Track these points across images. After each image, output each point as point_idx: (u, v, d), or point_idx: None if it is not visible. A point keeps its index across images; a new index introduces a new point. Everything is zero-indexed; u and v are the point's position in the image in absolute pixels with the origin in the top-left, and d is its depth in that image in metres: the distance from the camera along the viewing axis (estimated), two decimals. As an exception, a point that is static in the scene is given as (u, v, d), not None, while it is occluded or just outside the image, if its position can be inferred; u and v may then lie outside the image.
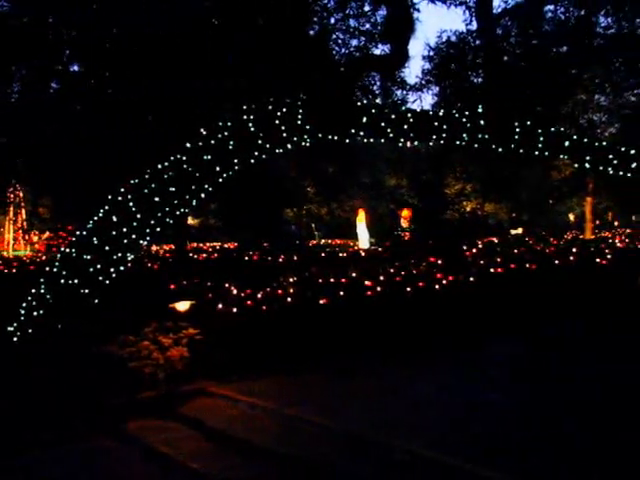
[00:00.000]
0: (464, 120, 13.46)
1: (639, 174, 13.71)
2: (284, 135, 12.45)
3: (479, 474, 5.22)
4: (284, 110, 12.46)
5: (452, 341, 10.43)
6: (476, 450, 5.74)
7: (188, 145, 11.11)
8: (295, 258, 17.65)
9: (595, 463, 5.34)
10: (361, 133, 13.01)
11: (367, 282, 11.19)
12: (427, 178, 27.44)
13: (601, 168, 13.83)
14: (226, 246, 26.31)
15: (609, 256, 14.17)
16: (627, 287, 12.24)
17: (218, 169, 11.52)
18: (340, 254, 20.12)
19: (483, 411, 6.97)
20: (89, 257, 9.50)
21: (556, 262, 13.64)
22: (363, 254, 19.92)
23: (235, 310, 10.20)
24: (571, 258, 13.95)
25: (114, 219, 9.80)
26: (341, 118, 13.00)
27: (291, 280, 11.88)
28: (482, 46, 24.13)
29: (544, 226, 35.24)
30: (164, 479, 6.11)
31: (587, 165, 13.77)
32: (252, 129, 11.99)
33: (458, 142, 13.61)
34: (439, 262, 13.25)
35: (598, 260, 13.98)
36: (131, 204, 9.96)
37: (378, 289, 11.04)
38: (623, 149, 13.79)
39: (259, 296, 10.75)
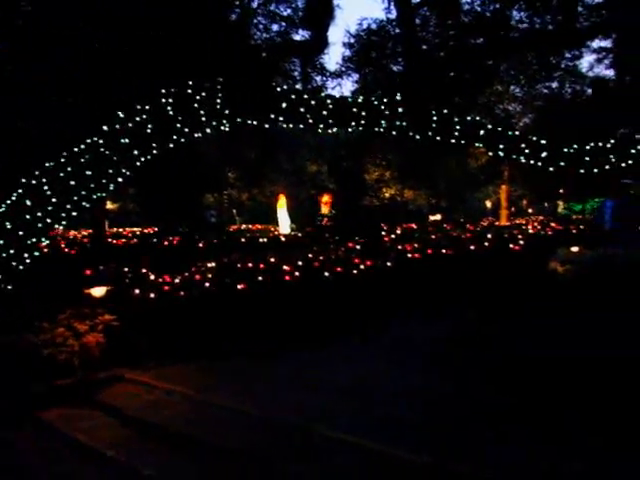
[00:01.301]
0: (383, 107, 13.63)
1: (549, 163, 14.16)
2: (203, 119, 12.37)
3: (393, 455, 5.33)
4: (203, 94, 12.37)
5: (370, 325, 10.58)
6: (391, 432, 5.85)
7: (105, 128, 10.92)
8: (215, 243, 17.57)
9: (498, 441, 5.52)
10: (280, 118, 13.02)
11: (285, 267, 11.25)
12: (347, 164, 27.62)
13: (514, 157, 14.22)
14: (146, 231, 25.94)
15: (521, 242, 14.57)
16: (539, 271, 12.60)
17: (136, 153, 11.37)
18: (260, 239, 20.10)
19: (398, 394, 7.08)
20: (1, 242, 9.26)
21: (471, 247, 13.96)
22: (283, 239, 19.96)
23: (152, 296, 10.11)
24: (486, 244, 14.29)
25: (28, 203, 9.57)
26: (260, 103, 12.99)
27: (210, 265, 11.84)
28: (401, 35, 24.38)
29: (462, 212, 35.96)
30: (80, 468, 6.04)
31: (501, 154, 14.15)
32: (170, 113, 11.87)
33: (377, 129, 13.78)
34: (357, 247, 13.41)
35: (511, 246, 14.36)
36: (46, 188, 9.74)
37: (296, 274, 11.11)
38: (535, 139, 14.21)
39: (177, 281, 10.68)
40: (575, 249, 12.28)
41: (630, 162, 14.40)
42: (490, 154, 16.66)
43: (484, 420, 5.99)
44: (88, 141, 10.70)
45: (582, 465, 4.81)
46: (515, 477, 4.76)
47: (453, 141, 13.95)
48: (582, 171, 14.41)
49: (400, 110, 13.65)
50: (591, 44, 27.25)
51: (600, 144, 14.56)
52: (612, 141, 14.60)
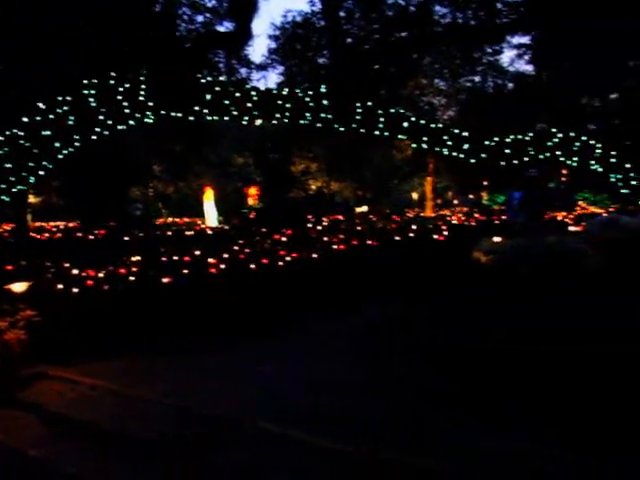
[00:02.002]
0: (307, 100, 13.71)
1: (471, 155, 14.51)
2: (126, 111, 12.23)
3: (317, 444, 5.40)
4: (126, 86, 12.23)
5: (297, 316, 10.62)
6: (318, 422, 5.92)
7: (25, 119, 10.69)
8: (140, 237, 17.36)
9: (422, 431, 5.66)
10: (205, 110, 12.98)
11: (211, 260, 11.21)
12: (273, 157, 27.66)
13: (437, 149, 14.51)
14: (70, 225, 25.40)
15: (446, 233, 14.84)
16: (463, 261, 12.83)
17: (58, 145, 11.18)
18: (187, 232, 19.94)
19: (326, 383, 7.16)
20: None
21: (396, 238, 14.14)
22: (210, 232, 19.86)
23: (76, 290, 9.95)
24: (411, 235, 14.51)
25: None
26: (185, 95, 12.91)
27: (135, 259, 11.71)
28: (326, 28, 24.52)
29: (388, 204, 36.38)
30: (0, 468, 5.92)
31: (424, 146, 14.42)
32: (93, 104, 11.70)
33: (302, 121, 13.85)
34: (283, 239, 13.46)
35: (436, 236, 14.61)
36: (-37, 182, 9.51)
37: (222, 267, 11.09)
38: (457, 131, 14.52)
39: (101, 276, 10.53)
40: (497, 239, 12.58)
41: (547, 154, 14.87)
42: (414, 146, 16.93)
43: (410, 407, 6.12)
44: (7, 133, 10.47)
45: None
46: (442, 461, 4.88)
47: (377, 133, 14.14)
48: (503, 163, 14.81)
49: (325, 102, 13.76)
50: (511, 40, 27.91)
51: (519, 137, 14.98)
52: (531, 134, 15.04)
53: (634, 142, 23.77)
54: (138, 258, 11.76)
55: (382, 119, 14.05)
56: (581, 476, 4.48)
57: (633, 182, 15.01)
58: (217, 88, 13.02)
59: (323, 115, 13.73)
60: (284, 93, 13.77)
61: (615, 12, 22.04)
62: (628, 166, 15.07)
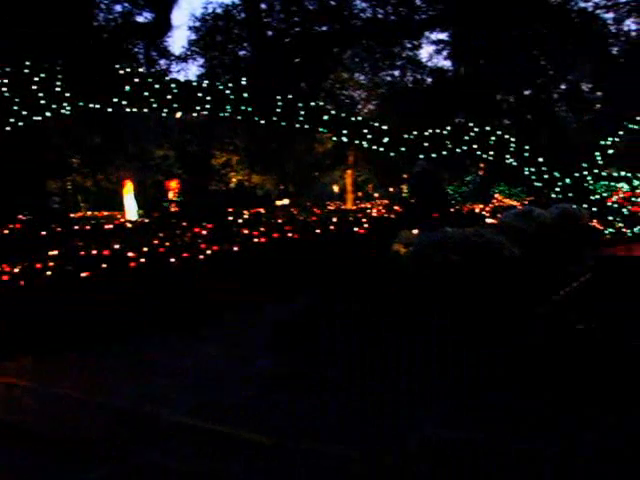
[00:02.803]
0: (228, 92, 13.66)
1: (391, 149, 14.72)
2: (42, 102, 11.94)
3: (238, 436, 5.42)
4: (42, 76, 11.94)
5: (215, 310, 10.59)
6: (235, 413, 5.94)
7: None
8: (58, 231, 16.95)
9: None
10: (124, 102, 12.78)
11: (130, 254, 11.07)
12: (193, 149, 27.43)
13: (357, 142, 14.66)
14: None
15: (366, 225, 15.01)
16: (382, 253, 12.99)
17: (-31, 136, 10.85)
18: (106, 226, 19.56)
19: (242, 377, 7.19)
20: None
21: (317, 231, 14.23)
22: (130, 225, 19.55)
23: (-11, 286, 9.68)
24: (331, 227, 14.62)
25: None
26: (103, 86, 12.69)
27: (52, 253, 11.44)
28: (247, 20, 24.46)
29: (309, 197, 36.50)
30: None
31: (344, 139, 14.55)
32: (6, 94, 11.39)
33: (222, 114, 13.80)
34: (204, 233, 13.37)
35: (356, 229, 14.75)
36: None
37: (142, 260, 10.96)
38: (377, 125, 14.71)
39: (16, 271, 10.27)
40: (416, 231, 12.80)
41: (464, 148, 15.21)
42: (335, 139, 17.07)
43: (320, 400, 6.20)
44: None
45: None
46: (356, 447, 4.97)
47: (298, 126, 14.20)
48: (421, 156, 15.06)
49: (245, 95, 13.73)
50: (430, 36, 28.41)
51: (438, 131, 15.28)
52: (448, 128, 15.35)
53: (546, 137, 24.56)
54: (55, 252, 11.50)
55: (302, 112, 14.11)
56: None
57: (545, 176, 15.49)
58: (136, 79, 12.83)
59: (243, 108, 13.70)
60: (204, 85, 13.68)
61: (528, 11, 22.70)
62: (540, 160, 15.54)
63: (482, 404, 5.75)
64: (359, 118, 15.21)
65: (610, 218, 15.68)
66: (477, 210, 18.56)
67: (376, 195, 46.35)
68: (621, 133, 16.48)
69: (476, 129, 15.36)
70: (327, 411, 5.85)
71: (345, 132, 14.42)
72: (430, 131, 15.16)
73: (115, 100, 12.67)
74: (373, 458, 4.72)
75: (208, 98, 13.41)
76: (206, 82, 13.98)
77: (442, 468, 4.52)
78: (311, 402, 6.15)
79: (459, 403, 5.81)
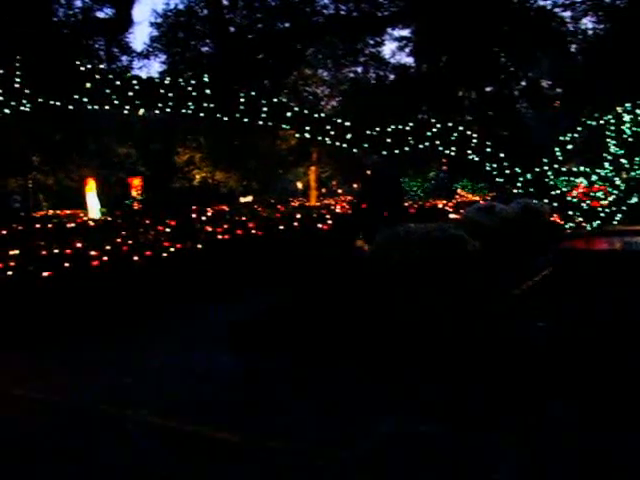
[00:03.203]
0: (190, 89, 13.58)
1: (354, 145, 14.78)
2: (0, 98, 11.78)
3: (202, 435, 5.41)
4: (0, 72, 11.78)
5: (179, 309, 10.57)
6: (202, 412, 5.94)
7: None
8: (19, 229, 16.74)
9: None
10: (85, 99, 12.64)
11: (93, 252, 10.98)
12: (156, 147, 27.26)
13: (320, 138, 14.69)
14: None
15: (329, 221, 15.06)
16: (346, 249, 13.05)
17: None
18: (68, 224, 19.38)
19: (207, 375, 7.17)
20: None
21: (281, 228, 14.25)
22: (92, 224, 19.38)
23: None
24: (295, 224, 14.65)
25: None
26: (63, 83, 12.54)
27: (12, 253, 11.30)
28: (209, 16, 24.36)
29: (273, 194, 36.51)
30: None
31: (307, 135, 14.56)
32: (-38, 91, 11.22)
33: (185, 111, 13.72)
34: (167, 230, 13.32)
35: (320, 225, 14.80)
36: None
37: (105, 259, 10.88)
38: (339, 121, 14.75)
39: (-25, 271, 10.13)
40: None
41: (427, 144, 15.33)
42: (298, 136, 17.09)
43: (290, 397, 6.23)
44: None
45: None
46: (318, 445, 5.01)
47: (261, 123, 14.19)
48: (384, 152, 15.14)
49: (208, 92, 13.67)
50: (393, 32, 28.55)
51: (400, 127, 15.37)
52: (411, 124, 15.45)
53: (508, 133, 24.85)
54: (16, 252, 11.36)
55: (265, 109, 14.10)
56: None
57: (507, 171, 15.67)
58: (97, 76, 12.70)
59: (206, 104, 13.64)
60: (166, 82, 13.60)
61: (488, 8, 22.94)
62: (502, 156, 15.72)
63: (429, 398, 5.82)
64: (322, 114, 15.23)
65: (570, 213, 15.92)
66: (440, 206, 18.74)
67: (340, 191, 46.48)
68: (579, 129, 16.72)
69: (438, 125, 15.48)
70: (290, 409, 5.88)
71: (308, 129, 14.44)
72: (392, 127, 15.24)
73: (76, 97, 12.53)
74: (334, 455, 4.75)
75: (170, 95, 13.32)
76: (168, 79, 13.91)
77: (404, 462, 4.58)
78: (274, 400, 6.17)
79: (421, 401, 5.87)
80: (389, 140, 14.98)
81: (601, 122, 16.52)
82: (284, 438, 5.12)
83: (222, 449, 5.13)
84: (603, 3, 25.01)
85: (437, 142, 15.42)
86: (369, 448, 4.81)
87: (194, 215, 15.05)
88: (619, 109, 16.32)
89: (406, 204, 19.39)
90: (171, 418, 5.80)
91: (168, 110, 13.70)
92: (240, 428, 5.41)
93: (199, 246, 12.28)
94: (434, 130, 15.38)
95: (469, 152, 15.60)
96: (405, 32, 28.64)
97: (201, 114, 13.70)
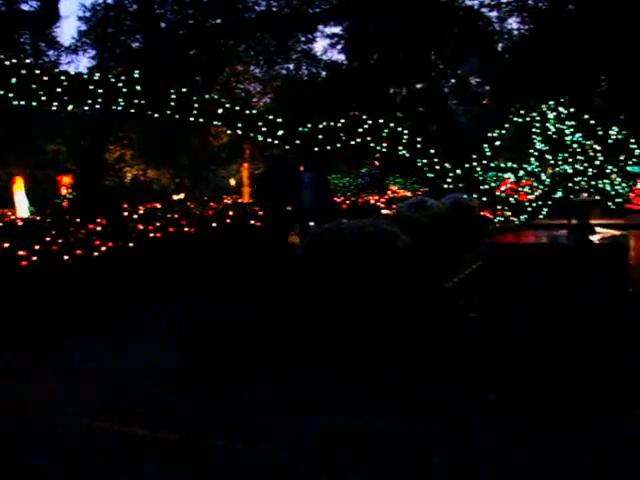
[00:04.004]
0: (120, 85, 13.42)
1: (286, 142, 14.84)
2: None
3: (142, 436, 5.38)
4: None
5: (112, 309, 10.41)
6: (143, 413, 5.90)
7: None
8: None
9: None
10: (10, 95, 12.37)
11: (21, 252, 10.74)
12: (86, 144, 26.75)
13: (252, 135, 14.71)
14: None
15: (263, 218, 15.06)
16: (279, 245, 13.09)
17: None
18: (-5, 224, 18.90)
19: (148, 375, 7.11)
20: None
21: (213, 225, 14.18)
22: (21, 223, 18.94)
23: None
24: (227, 221, 14.60)
25: None
26: (-14, 78, 12.25)
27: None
28: (139, 11, 24.06)
29: (206, 191, 36.23)
30: None
31: (239, 132, 14.57)
32: None
33: (115, 107, 13.56)
34: (98, 229, 13.11)
35: (253, 222, 14.79)
36: None
37: (34, 259, 10.66)
38: (271, 118, 14.79)
39: None
40: (312, 223, 12.96)
41: (358, 140, 15.49)
42: (230, 132, 17.06)
43: (226, 397, 6.25)
44: None
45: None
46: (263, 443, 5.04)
47: (192, 120, 14.12)
48: (316, 149, 15.25)
49: (138, 88, 13.53)
50: (324, 30, 28.68)
51: (332, 123, 15.49)
52: (342, 121, 15.59)
53: (438, 129, 25.27)
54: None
55: (197, 105, 14.03)
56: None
57: (437, 167, 15.95)
58: (23, 71, 12.43)
59: (136, 101, 13.51)
60: (96, 78, 13.40)
61: (418, 6, 23.27)
62: (432, 152, 15.99)
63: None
64: (254, 111, 15.26)
65: (499, 207, 16.30)
66: (372, 201, 18.94)
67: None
68: (507, 126, 17.14)
69: (370, 121, 15.65)
70: (233, 407, 5.90)
71: (240, 125, 14.44)
72: (324, 124, 15.35)
73: (1, 93, 12.25)
74: (270, 452, 4.80)
75: (100, 91, 13.14)
76: (98, 75, 13.70)
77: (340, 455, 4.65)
78: (218, 399, 6.18)
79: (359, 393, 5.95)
80: (321, 136, 15.08)
81: (527, 119, 16.96)
82: (226, 437, 5.14)
83: (159, 448, 5.12)
84: (527, 4, 25.71)
85: (368, 138, 15.60)
86: (303, 442, 4.87)
87: (125, 213, 14.87)
88: (543, 107, 16.79)
89: (338, 200, 19.56)
90: (111, 419, 5.75)
91: (98, 107, 13.51)
92: (182, 427, 5.41)
93: (131, 245, 12.14)
94: (365, 126, 15.55)
95: (400, 148, 15.83)
96: (337, 29, 28.81)
97: (132, 111, 13.56)
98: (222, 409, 5.82)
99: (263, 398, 5.95)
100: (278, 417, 5.45)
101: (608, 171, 16.55)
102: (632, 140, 16.52)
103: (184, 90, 14.10)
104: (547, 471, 4.21)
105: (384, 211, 17.12)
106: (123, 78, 13.57)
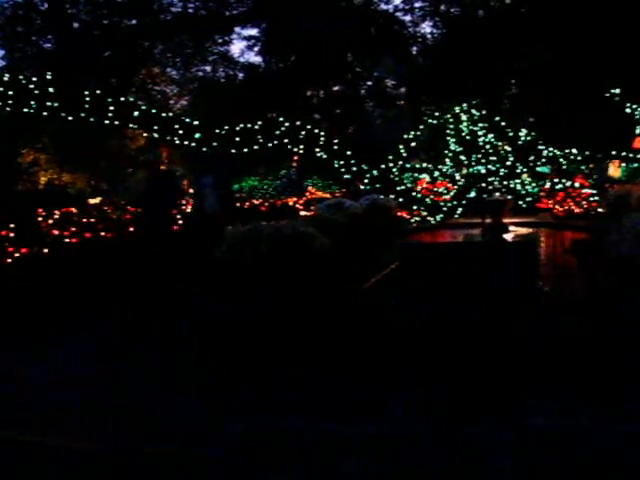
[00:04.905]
0: (32, 87, 13.13)
1: (203, 144, 14.78)
2: None
3: (60, 445, 5.29)
4: None
5: (30, 316, 10.15)
6: (60, 422, 5.80)
7: None
8: None
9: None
10: None
11: None
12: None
13: (168, 138, 14.59)
14: None
15: (182, 221, 14.94)
16: (204, 250, 12.93)
17: None
18: None
19: (67, 385, 6.99)
20: None
21: (131, 229, 14.00)
22: None
23: None
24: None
25: None
26: None
27: None
28: (50, 10, 23.52)
29: (123, 195, 35.63)
30: None
31: (156, 135, 14.42)
32: None
33: (26, 109, 13.25)
34: (11, 235, 12.77)
35: (173, 226, 14.65)
36: None
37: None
38: (188, 120, 14.71)
39: None
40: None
41: (275, 142, 15.55)
42: (146, 135, 16.89)
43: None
44: None
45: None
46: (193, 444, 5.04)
47: (107, 122, 13.91)
48: (233, 151, 15.24)
49: (51, 90, 13.26)
50: (241, 32, 28.68)
51: (249, 125, 15.50)
52: (260, 123, 15.62)
53: (354, 131, 25.58)
54: None
55: (112, 108, 13.83)
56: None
57: (354, 168, 16.15)
58: None
59: (49, 103, 13.23)
60: (5, 79, 13.06)
61: (334, 9, 23.52)
62: (349, 153, 16.19)
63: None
64: (170, 114, 15.14)
65: (415, 207, 16.62)
66: (291, 203, 19.02)
67: (191, 190, 45.89)
68: (422, 127, 17.51)
69: (287, 123, 15.73)
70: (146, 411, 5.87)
71: (156, 128, 14.31)
72: (241, 126, 15.35)
73: None
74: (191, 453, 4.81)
75: (10, 93, 12.82)
76: (8, 75, 13.35)
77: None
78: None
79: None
80: (238, 139, 15.09)
81: (441, 121, 17.37)
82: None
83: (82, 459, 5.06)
84: (439, 10, 26.33)
85: (286, 140, 15.68)
86: (230, 445, 4.90)
87: (40, 218, 14.53)
88: (457, 109, 17.22)
89: (257, 202, 19.58)
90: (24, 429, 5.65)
91: (8, 109, 13.18)
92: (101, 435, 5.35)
93: (45, 250, 11.88)
94: (283, 128, 15.62)
95: (317, 150, 15.96)
96: (254, 31, 28.85)
97: (44, 113, 13.27)
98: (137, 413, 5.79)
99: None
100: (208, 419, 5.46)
101: (519, 171, 17.10)
102: (540, 141, 17.12)
103: (98, 92, 13.88)
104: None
105: (303, 213, 17.23)
106: (35, 79, 13.27)
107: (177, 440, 5.09)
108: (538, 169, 17.40)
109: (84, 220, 14.30)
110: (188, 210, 17.18)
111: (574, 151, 16.95)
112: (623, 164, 18.01)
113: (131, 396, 6.30)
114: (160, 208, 14.20)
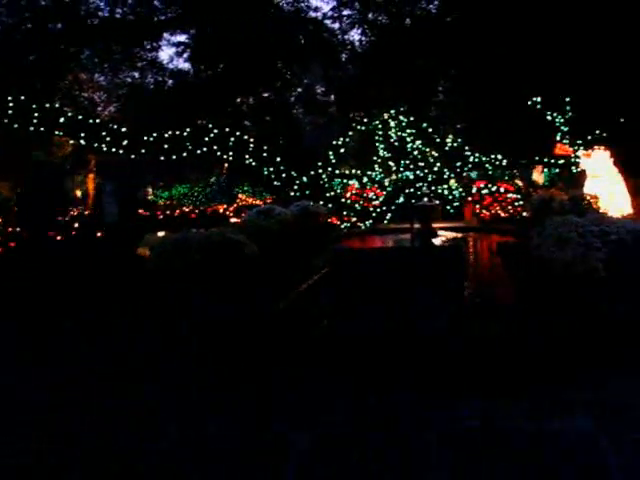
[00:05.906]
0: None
1: (131, 151, 14.64)
2: None
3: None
4: None
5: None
6: None
7: None
8: None
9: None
10: None
11: None
12: None
13: (96, 145, 14.40)
14: None
15: (108, 230, 14.72)
16: (128, 258, 12.78)
17: None
18: None
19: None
20: None
21: (58, 238, 13.72)
22: None
23: None
24: (72, 233, 14.16)
25: None
26: None
27: None
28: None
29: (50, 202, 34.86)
30: None
31: (82, 142, 14.21)
32: None
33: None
34: None
35: (99, 234, 14.41)
36: None
37: None
38: (115, 127, 14.54)
39: None
40: (161, 234, 12.82)
41: (205, 149, 15.50)
42: (73, 142, 16.63)
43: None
44: None
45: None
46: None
47: (32, 129, 13.65)
48: (162, 158, 15.14)
49: (-31, 96, 12.97)
50: (170, 38, 28.45)
51: (178, 132, 15.42)
52: (188, 129, 15.56)
53: (284, 138, 25.65)
54: None
55: (37, 114, 13.58)
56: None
57: (283, 175, 16.22)
58: None
59: (-32, 109, 12.93)
60: None
61: (263, 16, 23.56)
62: (278, 160, 16.25)
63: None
64: (97, 120, 14.94)
65: (345, 213, 16.77)
66: (221, 210, 18.97)
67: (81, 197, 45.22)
68: (351, 134, 17.69)
69: (216, 130, 15.70)
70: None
71: (83, 135, 14.11)
72: (170, 133, 15.26)
73: None
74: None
75: None
76: None
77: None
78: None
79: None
80: (166, 146, 15.00)
81: (370, 127, 17.58)
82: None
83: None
84: (367, 18, 26.65)
85: (215, 147, 15.65)
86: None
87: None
88: (385, 115, 17.46)
89: (186, 209, 19.46)
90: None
91: None
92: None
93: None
94: (212, 135, 15.59)
95: (247, 157, 15.96)
96: (182, 38, 28.64)
97: (-39, 119, 12.96)
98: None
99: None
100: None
101: (446, 177, 17.42)
102: (467, 147, 17.48)
103: (22, 98, 13.61)
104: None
105: (233, 220, 17.20)
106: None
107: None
108: (471, 174, 17.77)
109: (9, 230, 13.96)
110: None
111: (499, 157, 17.36)
112: (545, 169, 18.53)
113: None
114: (39, 210, 13.71)
